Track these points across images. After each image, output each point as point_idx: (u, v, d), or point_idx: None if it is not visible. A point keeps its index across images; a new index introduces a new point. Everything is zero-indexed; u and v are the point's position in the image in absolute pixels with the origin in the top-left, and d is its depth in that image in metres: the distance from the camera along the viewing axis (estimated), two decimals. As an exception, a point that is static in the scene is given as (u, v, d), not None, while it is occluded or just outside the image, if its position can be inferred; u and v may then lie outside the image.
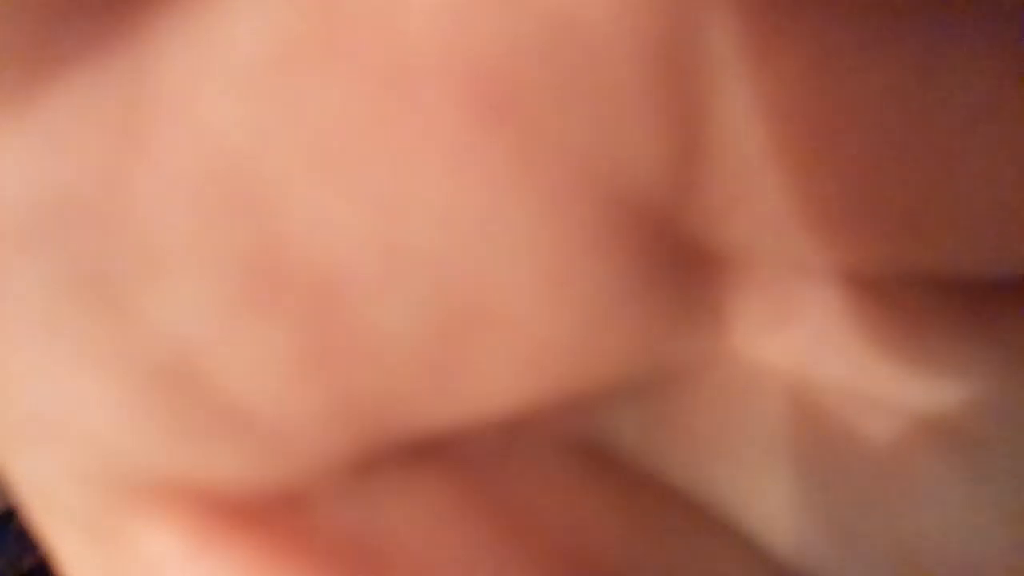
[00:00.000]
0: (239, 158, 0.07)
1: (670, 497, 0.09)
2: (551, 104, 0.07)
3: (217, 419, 0.08)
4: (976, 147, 0.07)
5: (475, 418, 0.08)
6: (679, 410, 0.08)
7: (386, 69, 0.07)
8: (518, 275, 0.08)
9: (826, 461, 0.08)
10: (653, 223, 0.08)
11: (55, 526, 0.09)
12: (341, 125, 0.07)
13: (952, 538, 0.08)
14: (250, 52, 0.07)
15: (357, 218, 0.08)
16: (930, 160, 0.07)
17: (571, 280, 0.08)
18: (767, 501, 0.08)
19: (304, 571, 0.08)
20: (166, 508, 0.08)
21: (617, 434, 0.09)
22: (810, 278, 0.08)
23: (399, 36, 0.07)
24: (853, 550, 0.08)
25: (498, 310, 0.08)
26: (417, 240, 0.08)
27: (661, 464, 0.09)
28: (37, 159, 0.07)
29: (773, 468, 0.08)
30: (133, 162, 0.07)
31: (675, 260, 0.08)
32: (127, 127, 0.07)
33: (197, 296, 0.08)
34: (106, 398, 0.08)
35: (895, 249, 0.08)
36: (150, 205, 0.07)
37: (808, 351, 0.08)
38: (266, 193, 0.07)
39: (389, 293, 0.08)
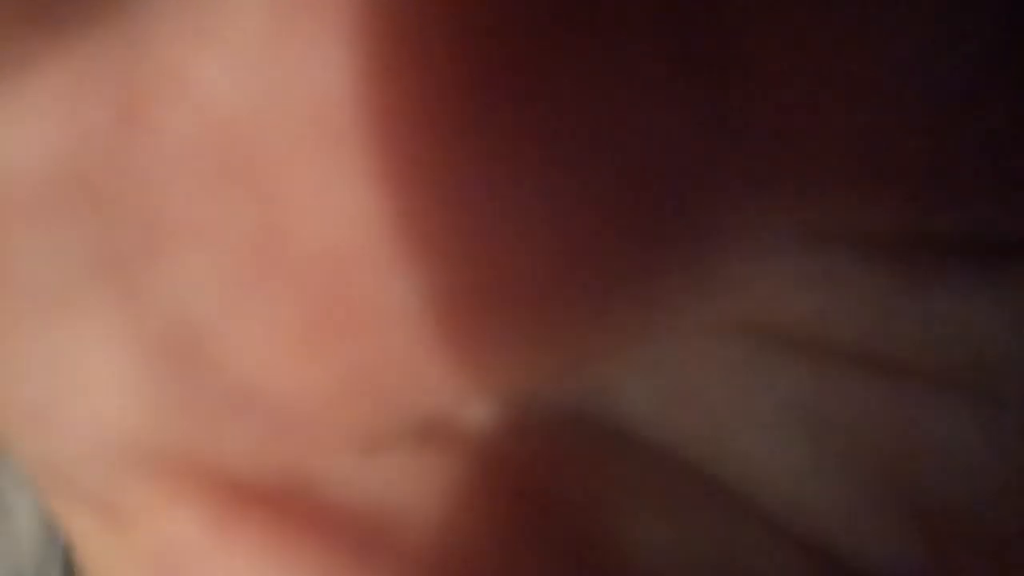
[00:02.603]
0: (239, 131, 0.07)
1: (684, 471, 0.08)
2: (558, 72, 0.07)
3: (225, 397, 0.08)
4: (982, 109, 0.07)
5: (484, 394, 0.08)
6: (693, 382, 0.08)
7: (388, 37, 0.07)
8: (527, 247, 0.08)
9: (842, 429, 0.08)
10: (666, 194, 0.08)
11: (68, 507, 0.09)
12: (341, 96, 0.07)
13: (971, 500, 0.08)
14: (246, 23, 0.07)
15: (361, 192, 0.07)
16: (939, 123, 0.07)
17: (579, 252, 0.08)
18: (783, 472, 0.08)
19: (314, 551, 0.08)
20: (179, 489, 0.08)
21: (630, 408, 0.08)
22: (826, 243, 0.08)
23: (393, 9, 0.07)
24: (871, 518, 0.08)
25: (506, 284, 0.08)
26: (423, 214, 0.08)
27: (675, 438, 0.08)
28: (42, 133, 0.07)
29: (788, 437, 0.08)
30: (133, 136, 0.07)
31: (691, 230, 0.08)
32: (126, 101, 0.07)
33: (200, 271, 0.08)
34: (115, 375, 0.08)
35: (909, 211, 0.08)
36: (151, 179, 0.07)
37: (826, 316, 0.08)
38: (267, 166, 0.07)
39: (394, 267, 0.08)
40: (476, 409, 0.08)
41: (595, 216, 0.08)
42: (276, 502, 0.08)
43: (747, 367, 0.08)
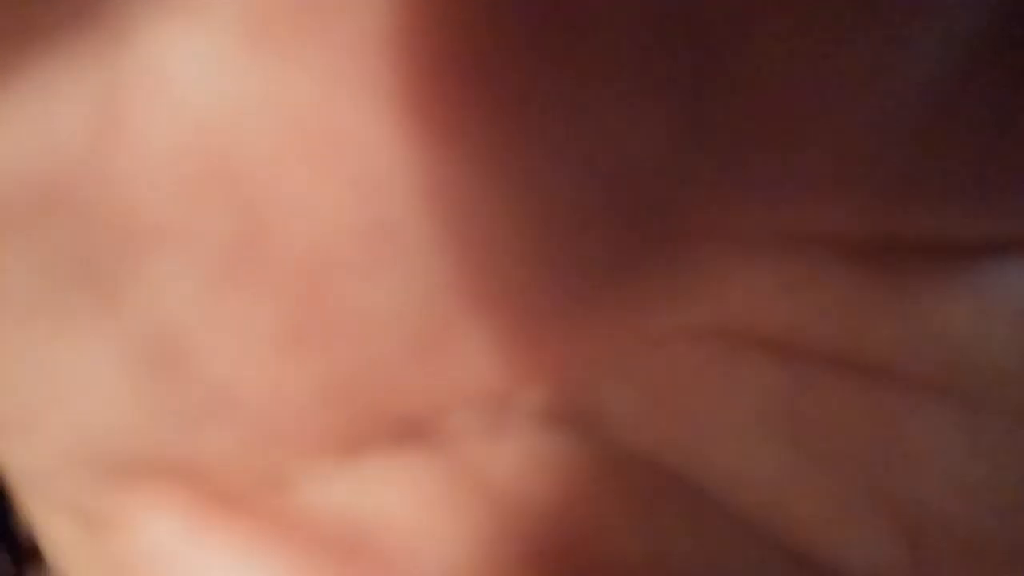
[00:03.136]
0: (217, 137, 0.07)
1: (663, 475, 0.08)
2: (535, 79, 0.07)
3: (204, 400, 0.08)
4: (961, 114, 0.07)
5: (462, 397, 0.08)
6: (672, 386, 0.08)
7: (363, 44, 0.07)
8: (503, 253, 0.08)
9: (822, 432, 0.08)
10: (643, 198, 0.08)
11: (48, 514, 0.09)
12: (319, 102, 0.07)
13: (951, 503, 0.08)
14: (225, 29, 0.07)
15: (339, 196, 0.07)
16: (917, 128, 0.07)
17: (557, 257, 0.08)
18: (762, 475, 0.08)
19: (293, 555, 0.08)
20: (158, 493, 0.08)
21: (609, 412, 0.08)
22: (803, 247, 0.08)
23: (372, 12, 0.07)
24: (851, 522, 0.08)
25: (483, 288, 0.08)
26: (400, 219, 0.08)
27: (654, 441, 0.08)
28: (17, 141, 0.07)
29: (768, 441, 0.08)
30: (111, 142, 0.07)
31: (667, 235, 0.08)
32: (103, 106, 0.07)
33: (180, 277, 0.08)
34: (95, 381, 0.08)
35: (887, 215, 0.08)
36: (129, 185, 0.07)
37: (803, 320, 0.08)
38: (246, 172, 0.07)
39: (373, 272, 0.08)
40: (455, 414, 0.08)
41: (572, 220, 0.08)
42: (255, 506, 0.08)
43: (726, 371, 0.08)
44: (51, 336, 0.08)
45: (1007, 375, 0.08)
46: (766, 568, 0.08)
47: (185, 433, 0.08)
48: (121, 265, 0.08)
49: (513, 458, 0.08)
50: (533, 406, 0.08)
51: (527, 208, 0.08)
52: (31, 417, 0.08)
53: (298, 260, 0.08)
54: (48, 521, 0.09)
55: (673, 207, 0.08)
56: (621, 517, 0.08)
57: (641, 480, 0.08)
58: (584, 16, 0.07)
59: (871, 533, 0.08)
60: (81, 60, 0.07)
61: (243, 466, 0.08)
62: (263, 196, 0.07)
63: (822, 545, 0.08)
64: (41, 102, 0.07)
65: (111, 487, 0.08)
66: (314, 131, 0.07)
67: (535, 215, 0.08)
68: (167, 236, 0.08)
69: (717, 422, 0.08)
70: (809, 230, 0.08)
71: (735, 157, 0.07)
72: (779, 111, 0.07)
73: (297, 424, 0.08)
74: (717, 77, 0.07)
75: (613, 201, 0.08)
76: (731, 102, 0.07)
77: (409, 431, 0.08)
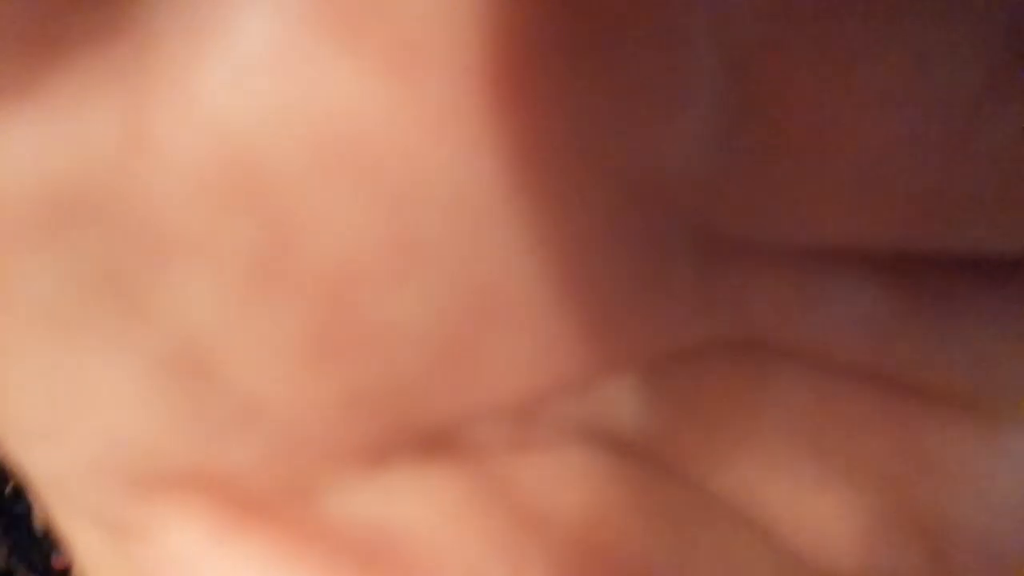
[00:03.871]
0: (245, 148, 0.07)
1: (688, 487, 0.08)
2: (567, 90, 0.07)
3: (230, 410, 0.08)
4: (987, 128, 0.07)
5: (488, 409, 0.08)
6: (698, 399, 0.08)
7: (393, 55, 0.07)
8: (531, 264, 0.08)
9: (846, 445, 0.08)
10: (671, 211, 0.08)
11: (73, 522, 0.09)
12: (348, 114, 0.07)
13: (973, 518, 0.08)
14: (253, 39, 0.07)
15: (367, 208, 0.08)
16: (943, 142, 0.07)
17: (585, 270, 0.08)
18: (788, 489, 0.08)
19: (318, 565, 0.08)
20: (183, 502, 0.08)
21: (635, 424, 0.08)
22: (829, 261, 0.08)
23: (405, 20, 0.07)
24: (874, 536, 0.08)
25: (511, 300, 0.08)
26: (428, 231, 0.08)
27: (679, 454, 0.08)
28: (44, 152, 0.07)
29: (794, 455, 0.08)
30: (137, 153, 0.07)
31: (694, 248, 0.08)
32: (130, 118, 0.07)
33: (206, 288, 0.08)
34: (121, 391, 0.08)
35: (913, 230, 0.08)
36: (156, 197, 0.07)
37: (828, 334, 0.08)
38: (273, 183, 0.07)
39: (400, 284, 0.08)
40: (481, 425, 0.08)
41: (597, 231, 0.08)
42: (281, 516, 0.08)
43: (749, 383, 0.08)
44: (77, 345, 0.08)
45: None
46: None
47: (211, 443, 0.08)
48: (147, 275, 0.08)
49: (539, 469, 0.08)
50: (559, 417, 0.08)
51: (557, 220, 0.08)
52: (57, 426, 0.08)
53: (325, 271, 0.08)
54: (75, 530, 0.09)
55: (701, 220, 0.08)
56: (646, 529, 0.08)
57: (666, 492, 0.08)
58: (615, 28, 0.07)
59: (894, 546, 0.08)
60: (109, 71, 0.07)
61: (268, 476, 0.08)
62: (290, 207, 0.08)
63: (845, 558, 0.08)
64: (68, 112, 0.07)
65: (137, 496, 0.08)
66: (343, 143, 0.07)
67: (565, 227, 0.08)
68: (194, 247, 0.08)
69: (742, 434, 0.08)
70: (837, 244, 0.08)
71: (763, 170, 0.07)
72: (807, 125, 0.07)
73: (323, 434, 0.08)
74: (745, 90, 0.07)
75: (641, 213, 0.08)
76: (759, 115, 0.07)
77: (435, 442, 0.08)
